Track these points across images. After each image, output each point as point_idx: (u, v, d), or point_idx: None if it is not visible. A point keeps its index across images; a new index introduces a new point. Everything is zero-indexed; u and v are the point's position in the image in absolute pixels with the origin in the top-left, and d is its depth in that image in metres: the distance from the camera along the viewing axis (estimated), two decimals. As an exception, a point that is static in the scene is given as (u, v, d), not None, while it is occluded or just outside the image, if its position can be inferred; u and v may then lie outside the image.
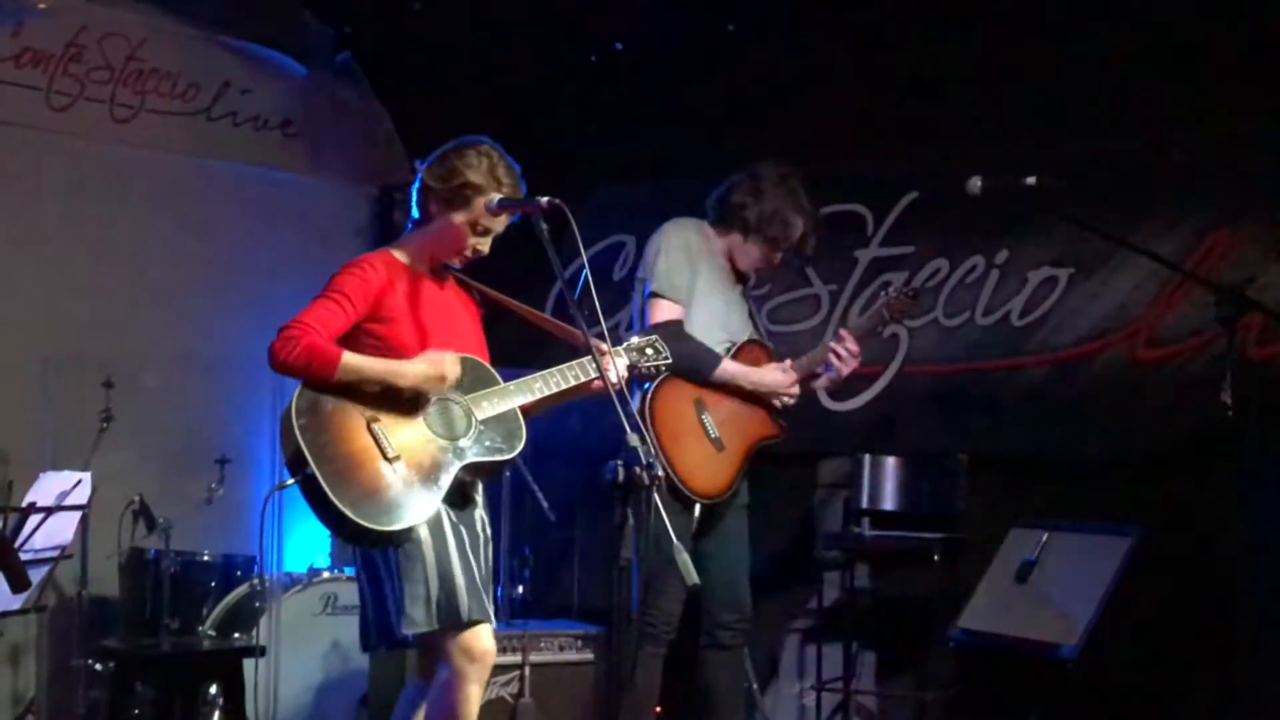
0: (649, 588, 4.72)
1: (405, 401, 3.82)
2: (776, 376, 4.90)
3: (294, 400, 3.74)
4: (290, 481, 3.75)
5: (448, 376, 3.82)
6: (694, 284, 4.84)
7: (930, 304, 6.17)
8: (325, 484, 3.66)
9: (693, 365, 4.76)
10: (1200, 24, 5.43)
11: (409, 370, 3.79)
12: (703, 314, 4.85)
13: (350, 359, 3.74)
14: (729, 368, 4.82)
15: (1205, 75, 5.48)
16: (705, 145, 6.62)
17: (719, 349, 4.86)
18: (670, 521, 4.65)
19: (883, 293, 5.07)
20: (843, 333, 4.93)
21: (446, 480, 3.80)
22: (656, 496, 3.37)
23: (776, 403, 4.95)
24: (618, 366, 3.97)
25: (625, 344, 4.18)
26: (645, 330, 4.70)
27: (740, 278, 5.08)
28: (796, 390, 4.92)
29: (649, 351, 4.19)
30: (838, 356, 4.89)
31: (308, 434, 3.69)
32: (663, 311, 4.81)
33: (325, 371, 3.72)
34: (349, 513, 3.66)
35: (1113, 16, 5.58)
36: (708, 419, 4.80)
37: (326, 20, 7.38)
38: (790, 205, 4.89)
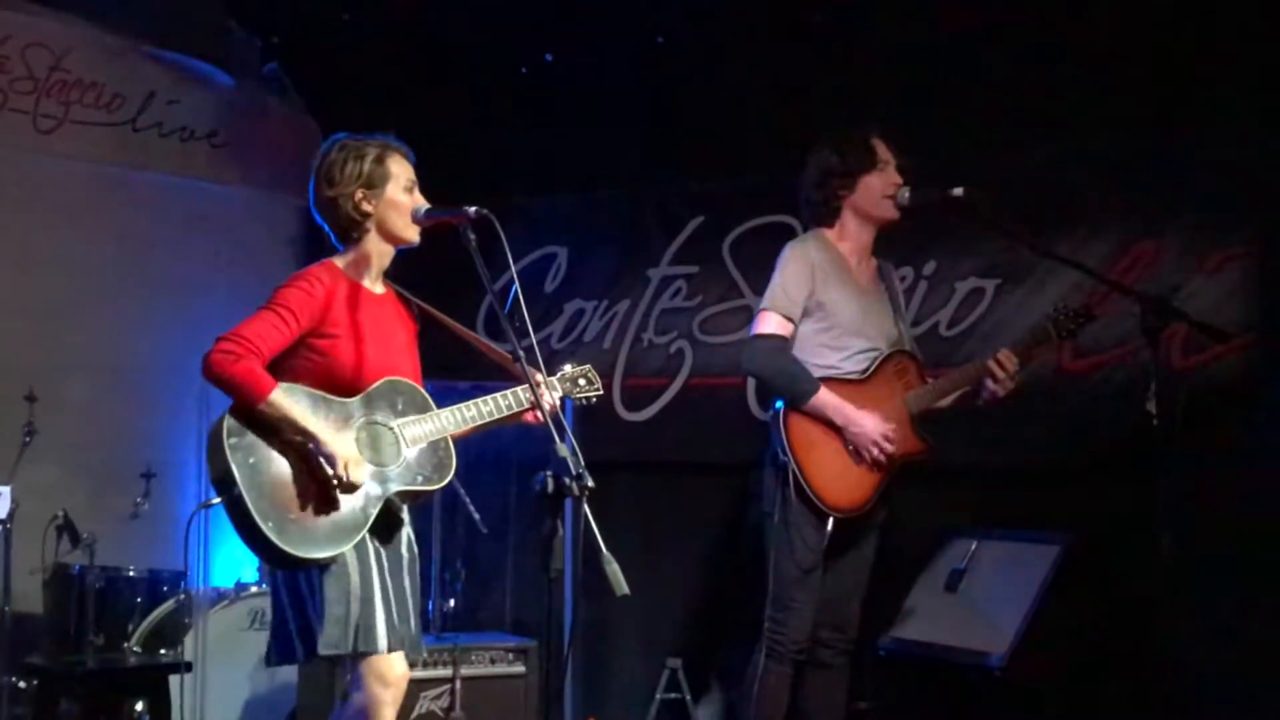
0: (777, 604, 4.69)
1: (336, 428, 3.78)
2: (871, 424, 4.62)
3: (225, 418, 3.69)
4: (216, 500, 3.71)
5: (350, 480, 3.71)
6: (822, 298, 4.69)
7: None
8: (252, 507, 3.63)
9: (788, 389, 4.66)
10: (1126, 34, 5.49)
11: (324, 442, 3.69)
12: (839, 322, 4.72)
13: (278, 399, 3.68)
14: (824, 399, 4.62)
15: (1131, 84, 5.54)
16: (636, 157, 6.64)
17: (864, 359, 4.73)
18: (803, 536, 4.61)
19: (1051, 310, 4.88)
20: (1003, 355, 4.69)
21: (374, 509, 3.78)
22: (587, 508, 3.35)
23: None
24: (551, 396, 3.99)
25: (559, 374, 4.19)
26: (758, 352, 4.70)
27: (877, 275, 4.93)
28: (888, 446, 4.62)
29: (581, 382, 4.23)
30: (994, 379, 4.68)
31: (238, 454, 3.66)
32: (767, 324, 4.71)
33: (251, 400, 3.67)
34: (274, 538, 3.63)
35: (1036, 27, 5.63)
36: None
37: (253, 30, 7.32)
38: (854, 135, 4.80)
